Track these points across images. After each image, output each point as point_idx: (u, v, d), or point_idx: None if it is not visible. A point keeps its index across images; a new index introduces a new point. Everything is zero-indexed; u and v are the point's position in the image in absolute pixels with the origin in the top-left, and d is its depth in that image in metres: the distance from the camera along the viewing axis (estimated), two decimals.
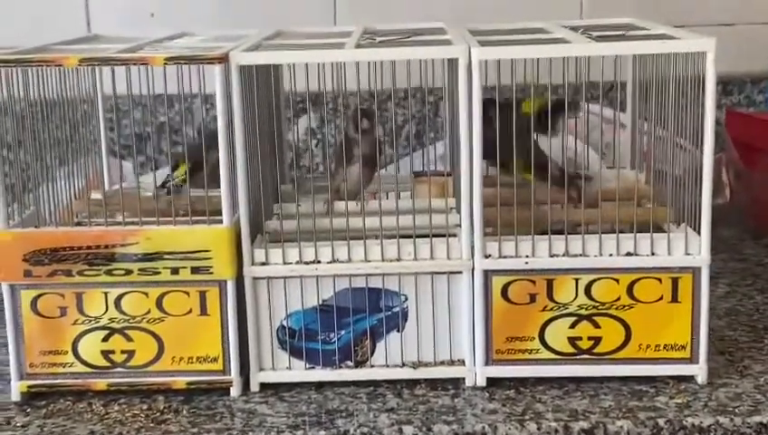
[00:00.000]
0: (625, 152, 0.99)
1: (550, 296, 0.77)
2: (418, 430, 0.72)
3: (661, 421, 0.72)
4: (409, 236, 0.79)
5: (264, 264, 0.78)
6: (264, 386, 0.79)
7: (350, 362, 0.80)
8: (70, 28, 1.09)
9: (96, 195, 0.92)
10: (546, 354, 0.78)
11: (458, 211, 0.87)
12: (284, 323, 0.79)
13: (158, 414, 0.76)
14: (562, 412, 0.74)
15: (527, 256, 0.77)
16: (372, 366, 0.80)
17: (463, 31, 0.87)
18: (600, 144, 1.11)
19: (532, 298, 0.77)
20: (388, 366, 0.79)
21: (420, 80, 0.95)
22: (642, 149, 0.96)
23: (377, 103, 0.85)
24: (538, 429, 0.72)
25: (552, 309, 0.77)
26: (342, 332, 0.80)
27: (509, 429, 0.72)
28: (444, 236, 0.80)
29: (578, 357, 0.78)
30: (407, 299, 0.79)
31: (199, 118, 1.37)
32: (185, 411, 0.76)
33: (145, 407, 0.77)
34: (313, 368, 0.80)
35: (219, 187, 0.77)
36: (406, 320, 0.79)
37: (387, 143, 0.97)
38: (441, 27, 0.92)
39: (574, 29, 0.86)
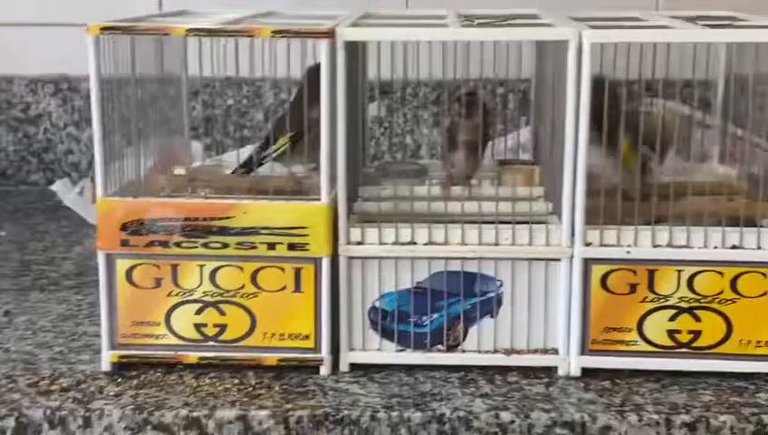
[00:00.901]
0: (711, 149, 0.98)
1: (651, 287, 0.76)
2: (516, 416, 0.71)
3: (766, 418, 0.70)
4: (508, 223, 0.78)
5: (359, 243, 0.78)
6: (353, 366, 0.79)
7: (441, 346, 0.79)
8: (139, 8, 1.09)
9: (179, 171, 0.93)
10: (644, 346, 0.77)
11: (547, 200, 0.86)
12: (377, 304, 0.79)
13: (250, 389, 0.75)
14: (663, 405, 0.72)
15: (629, 246, 0.76)
16: (464, 351, 0.79)
17: (562, 17, 0.86)
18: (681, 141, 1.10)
19: (633, 289, 0.76)
20: (480, 352, 0.78)
21: (507, 67, 0.95)
22: (731, 146, 0.95)
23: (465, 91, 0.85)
24: (639, 420, 0.71)
25: (652, 300, 0.76)
26: (435, 315, 0.79)
27: (609, 419, 0.71)
28: (540, 223, 0.79)
29: (677, 351, 0.76)
30: (502, 284, 0.78)
31: (267, 102, 1.39)
32: (277, 388, 0.75)
33: (236, 381, 0.76)
34: (404, 350, 0.79)
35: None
36: (500, 305, 0.78)
37: (492, 130, 0.96)
38: (535, 13, 0.91)
39: (675, 19, 0.85)
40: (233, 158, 1.03)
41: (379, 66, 0.89)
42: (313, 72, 0.77)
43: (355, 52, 0.85)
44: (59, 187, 1.34)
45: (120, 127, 0.80)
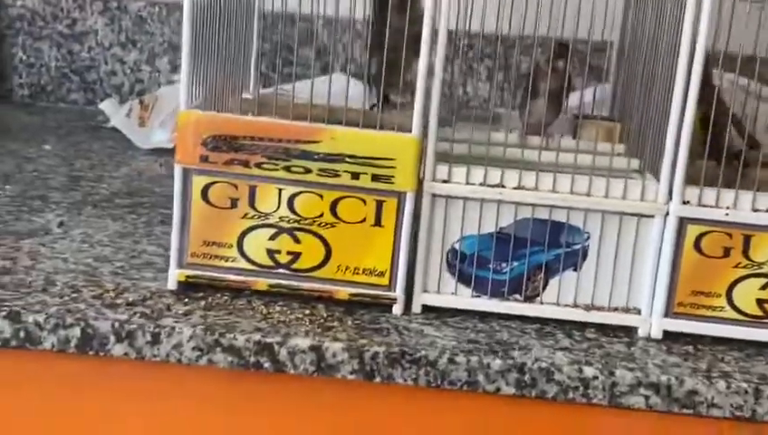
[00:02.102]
0: None
1: (745, 253, 0.73)
2: (599, 372, 0.69)
3: None
4: (603, 175, 0.75)
5: (445, 181, 0.75)
6: (425, 309, 0.76)
7: (518, 296, 0.76)
8: None
9: (247, 95, 0.89)
10: (731, 314, 0.74)
11: (630, 156, 0.83)
12: (456, 246, 0.76)
13: (322, 320, 0.72)
14: (750, 374, 0.70)
15: (728, 208, 0.73)
16: (542, 303, 0.76)
17: None
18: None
19: (726, 252, 0.73)
20: (558, 305, 0.76)
21: (591, 23, 0.91)
22: None
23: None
24: (727, 387, 0.68)
25: (745, 267, 0.73)
26: (516, 263, 0.76)
27: (696, 384, 0.68)
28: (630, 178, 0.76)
29: (765, 321, 0.74)
30: (589, 237, 0.75)
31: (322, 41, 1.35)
32: (349, 322, 0.73)
33: (307, 312, 0.74)
34: (479, 297, 0.76)
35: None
36: (585, 259, 0.75)
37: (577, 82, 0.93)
38: None
39: None
40: (301, 87, 1.00)
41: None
42: None
43: None
44: (107, 106, 1.31)
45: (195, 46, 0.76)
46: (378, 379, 0.69)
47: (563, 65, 0.82)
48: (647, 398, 0.69)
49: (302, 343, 0.69)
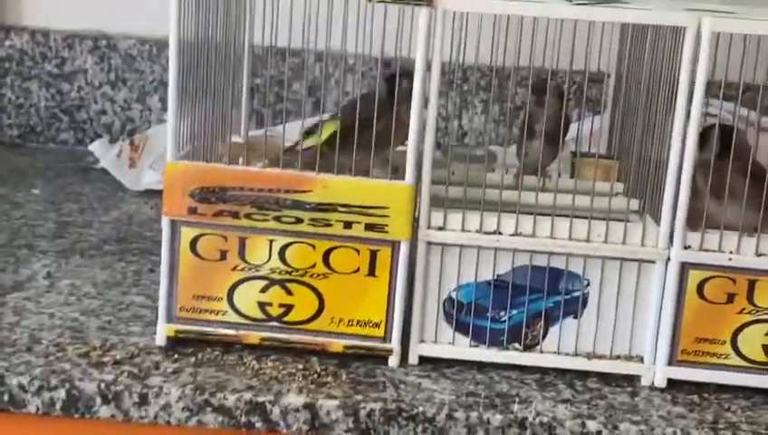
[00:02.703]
0: None
1: (750, 299, 0.71)
2: (603, 426, 0.66)
3: None
4: (599, 219, 0.73)
5: (441, 229, 0.73)
6: (422, 360, 0.74)
7: (518, 345, 0.74)
8: None
9: (236, 139, 0.88)
10: (736, 361, 0.72)
11: (628, 195, 0.81)
12: (453, 294, 0.74)
13: (315, 376, 0.70)
14: (758, 425, 0.68)
15: (731, 253, 0.71)
16: (542, 352, 0.74)
17: (656, 3, 0.81)
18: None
19: (730, 298, 0.71)
20: (559, 353, 0.74)
21: (587, 56, 0.90)
22: None
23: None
24: None
25: (750, 312, 0.71)
26: (515, 311, 0.74)
27: None
28: (628, 221, 0.74)
29: None
30: (589, 284, 0.73)
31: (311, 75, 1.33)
32: (344, 376, 0.71)
33: (300, 367, 0.71)
34: (478, 346, 0.74)
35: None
36: (585, 306, 0.73)
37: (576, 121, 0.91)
38: None
39: None
40: (290, 129, 0.99)
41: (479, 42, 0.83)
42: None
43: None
44: (96, 147, 1.29)
45: (183, 89, 0.75)
46: None
47: (559, 107, 0.80)
48: None
49: (296, 400, 0.67)
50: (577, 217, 0.72)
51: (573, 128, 1.05)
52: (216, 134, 0.83)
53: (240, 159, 0.80)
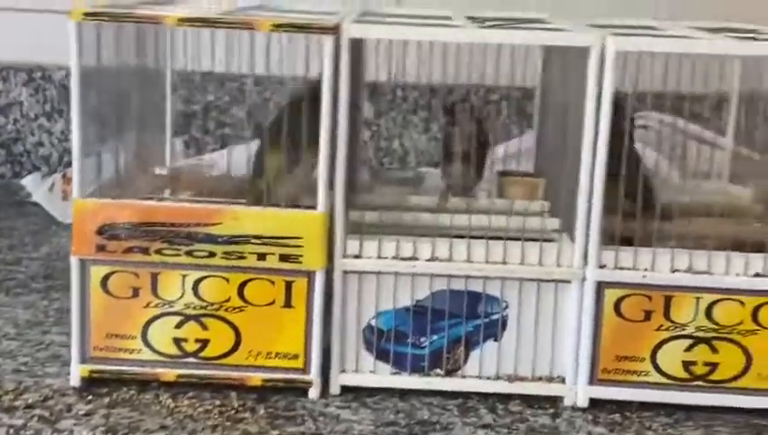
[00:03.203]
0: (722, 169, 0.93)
1: (666, 315, 0.71)
2: None
3: None
4: (515, 239, 0.73)
5: (357, 256, 0.72)
6: (344, 389, 0.73)
7: (439, 371, 0.73)
8: None
9: (160, 171, 0.87)
10: (657, 378, 0.72)
11: (554, 215, 0.81)
12: (372, 322, 0.73)
13: (232, 412, 0.69)
14: None
15: (646, 269, 0.71)
16: (464, 377, 0.73)
17: (576, 23, 0.81)
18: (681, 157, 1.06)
19: (647, 315, 0.71)
20: (480, 378, 0.73)
21: (513, 73, 0.90)
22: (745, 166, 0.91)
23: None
24: None
25: (667, 329, 0.71)
26: (435, 336, 0.73)
27: None
28: (547, 241, 0.74)
29: (691, 383, 0.71)
30: (508, 306, 0.73)
31: (251, 99, 1.33)
32: (261, 411, 0.69)
33: (217, 403, 0.70)
34: (399, 374, 0.73)
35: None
36: (504, 329, 0.73)
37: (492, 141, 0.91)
38: (543, 17, 0.86)
39: (694, 29, 0.80)
40: (217, 157, 0.98)
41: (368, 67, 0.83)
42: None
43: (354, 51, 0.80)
44: (29, 181, 1.27)
45: (99, 121, 0.74)
46: None
47: (477, 129, 0.80)
48: None
49: None
50: (493, 238, 0.72)
51: (507, 146, 1.06)
52: (144, 165, 0.83)
53: (166, 191, 0.80)
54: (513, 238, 0.72)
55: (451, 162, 0.81)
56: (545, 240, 0.72)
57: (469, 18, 0.82)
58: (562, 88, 0.81)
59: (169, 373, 0.71)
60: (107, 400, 0.70)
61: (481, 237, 0.72)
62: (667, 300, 0.71)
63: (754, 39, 0.75)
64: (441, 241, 0.72)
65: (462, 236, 0.72)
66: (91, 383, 0.72)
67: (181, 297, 0.71)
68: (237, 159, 0.89)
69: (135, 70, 0.80)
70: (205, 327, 0.71)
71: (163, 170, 0.86)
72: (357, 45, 0.77)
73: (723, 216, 0.77)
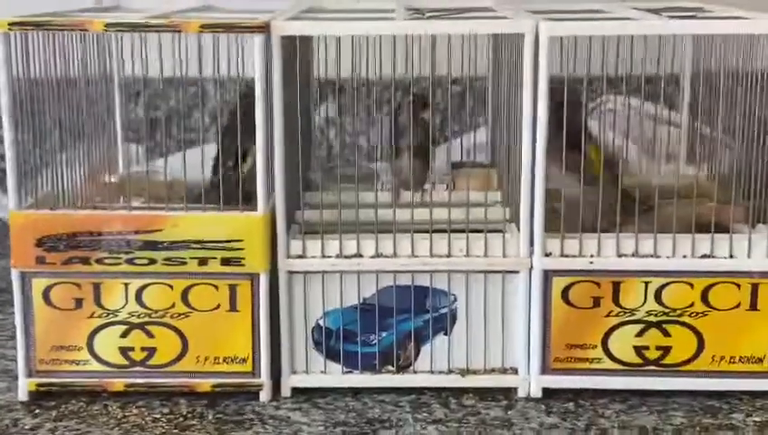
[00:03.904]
0: (679, 149, 0.93)
1: (616, 301, 0.70)
2: None
3: None
4: (461, 231, 0.72)
5: (300, 257, 0.71)
6: (296, 391, 0.72)
7: (391, 367, 0.72)
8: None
9: (111, 179, 0.86)
10: (609, 364, 0.71)
11: (505, 206, 0.80)
12: (321, 322, 0.72)
13: (180, 419, 0.68)
14: (630, 429, 0.67)
15: (592, 256, 0.70)
16: (416, 372, 0.72)
17: (519, 10, 0.80)
18: (645, 140, 1.05)
19: (596, 302, 0.70)
20: (433, 372, 0.72)
21: (462, 64, 0.89)
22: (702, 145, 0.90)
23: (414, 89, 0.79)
24: None
25: (617, 315, 0.70)
26: (384, 333, 0.72)
27: None
28: (496, 232, 0.73)
29: (644, 368, 0.70)
30: (456, 299, 0.72)
31: (211, 103, 1.31)
32: (210, 417, 0.69)
33: (166, 410, 0.70)
34: (351, 372, 0.72)
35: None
36: (454, 322, 0.72)
37: (439, 133, 0.91)
38: (489, 6, 0.85)
39: (638, 10, 0.79)
40: (171, 162, 0.97)
41: (324, 63, 0.83)
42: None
43: (296, 48, 0.79)
44: None
45: (38, 132, 0.73)
46: None
47: (417, 118, 0.79)
48: None
49: None
50: (436, 231, 0.72)
51: (470, 138, 1.05)
52: (95, 175, 0.82)
53: (122, 198, 0.79)
54: (458, 230, 0.72)
55: (398, 157, 0.80)
56: (491, 231, 0.72)
57: (410, 10, 0.82)
58: (509, 77, 0.81)
59: (117, 383, 0.71)
60: (54, 413, 0.69)
61: (425, 231, 0.71)
62: (616, 285, 0.70)
63: (694, 17, 0.75)
64: (385, 237, 0.71)
65: (408, 231, 0.72)
66: (41, 397, 0.71)
67: (125, 306, 0.70)
68: (191, 162, 0.88)
69: (84, 78, 0.79)
70: (150, 335, 0.71)
71: (113, 178, 0.86)
72: (304, 43, 0.76)
73: (680, 198, 0.76)
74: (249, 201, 0.70)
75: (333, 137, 1.25)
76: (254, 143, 0.69)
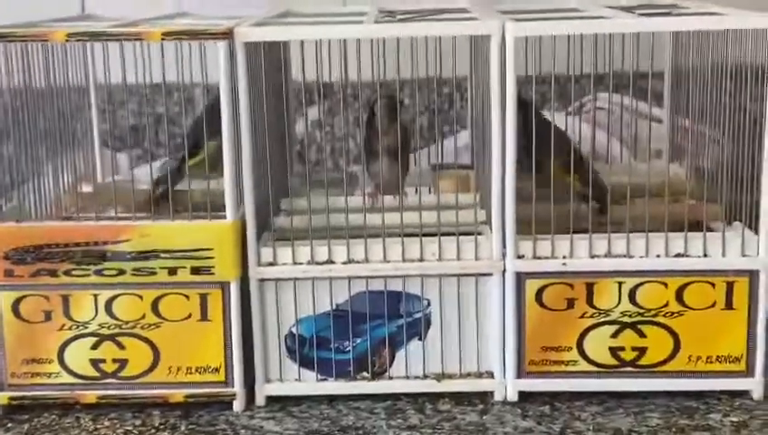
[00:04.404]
0: (660, 146, 0.92)
1: (590, 302, 0.69)
2: None
3: None
4: (433, 235, 0.72)
5: (271, 264, 0.70)
6: (270, 400, 0.71)
7: (366, 374, 0.72)
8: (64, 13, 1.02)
9: (87, 188, 0.85)
10: (585, 366, 0.70)
11: (484, 207, 0.80)
12: (294, 329, 0.71)
13: (152, 431, 0.68)
14: (605, 432, 0.66)
15: (565, 257, 0.69)
16: (391, 378, 0.71)
17: (490, 11, 0.79)
18: (627, 136, 1.04)
19: (570, 304, 0.69)
20: (408, 378, 0.71)
21: (437, 66, 0.88)
22: (680, 142, 0.89)
23: (392, 92, 0.78)
24: None
25: (592, 316, 0.69)
26: (358, 340, 0.72)
27: None
28: (470, 234, 0.73)
29: (620, 370, 0.70)
30: (429, 304, 0.71)
31: (200, 108, 1.31)
32: (183, 428, 0.68)
33: (138, 423, 0.69)
34: (326, 380, 0.72)
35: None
36: (428, 327, 0.71)
37: (414, 135, 0.90)
38: (464, 8, 0.85)
39: (612, 9, 0.79)
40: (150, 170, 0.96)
41: (317, 62, 0.82)
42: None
43: (275, 53, 0.78)
44: None
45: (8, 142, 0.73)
46: None
47: (391, 121, 0.78)
48: None
49: None
50: (408, 235, 0.71)
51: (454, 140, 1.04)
52: (72, 184, 0.81)
53: (98, 208, 0.78)
54: (429, 234, 0.71)
55: (375, 160, 0.80)
56: (463, 233, 0.71)
57: (383, 12, 0.81)
58: (484, 78, 0.80)
59: (89, 395, 0.70)
60: (26, 426, 0.69)
61: (397, 235, 0.71)
62: (589, 287, 0.69)
63: (669, 14, 0.74)
64: (355, 242, 0.71)
65: (377, 236, 0.71)
66: (13, 411, 0.70)
67: (95, 318, 0.69)
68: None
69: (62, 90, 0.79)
70: (121, 346, 0.70)
71: (88, 188, 0.85)
72: (275, 48, 0.76)
73: (658, 196, 0.75)
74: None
75: (318, 141, 1.25)
76: (209, 139, 0.69)
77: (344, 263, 0.70)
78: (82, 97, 0.85)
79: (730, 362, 0.69)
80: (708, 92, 0.77)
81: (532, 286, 0.69)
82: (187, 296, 0.69)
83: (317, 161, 1.18)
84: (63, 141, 0.80)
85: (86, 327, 0.70)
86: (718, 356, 0.69)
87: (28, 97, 0.74)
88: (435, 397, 0.71)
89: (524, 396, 0.71)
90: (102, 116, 0.92)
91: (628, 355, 0.70)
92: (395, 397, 0.72)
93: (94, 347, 0.70)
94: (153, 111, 1.23)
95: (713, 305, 0.69)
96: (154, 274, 0.69)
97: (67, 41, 0.65)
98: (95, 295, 0.69)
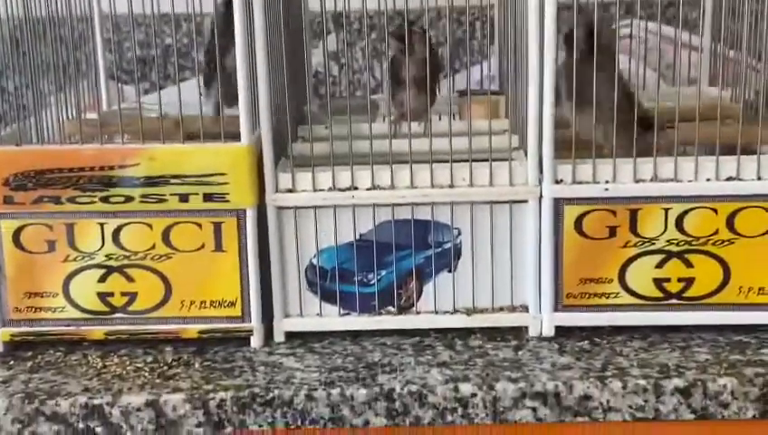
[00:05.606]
0: (700, 73, 0.86)
1: (633, 230, 0.64)
2: (478, 388, 0.60)
3: None
4: (465, 161, 0.67)
5: (290, 191, 0.66)
6: (290, 335, 0.67)
7: (392, 308, 0.67)
8: None
9: (92, 115, 0.80)
10: (627, 299, 0.65)
11: (513, 133, 0.75)
12: (314, 261, 0.67)
13: (165, 368, 0.64)
14: (650, 368, 0.62)
15: (607, 182, 0.64)
16: (418, 313, 0.67)
17: None
18: (658, 64, 0.99)
19: (612, 232, 0.65)
20: (437, 313, 0.67)
21: None
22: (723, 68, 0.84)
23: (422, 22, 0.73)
24: (623, 387, 0.60)
25: (635, 245, 0.65)
26: (383, 272, 0.67)
27: (587, 387, 0.60)
28: (504, 160, 0.68)
29: (665, 302, 0.65)
30: (460, 233, 0.66)
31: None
32: (197, 365, 0.64)
33: (150, 359, 0.65)
34: (348, 314, 0.67)
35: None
36: (459, 258, 0.67)
37: (444, 62, 0.84)
38: None
39: None
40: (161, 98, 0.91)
41: None
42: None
43: None
44: None
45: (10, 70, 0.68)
46: (229, 429, 0.61)
47: (422, 50, 0.73)
48: (534, 410, 0.60)
49: (137, 399, 0.60)
50: (437, 161, 0.66)
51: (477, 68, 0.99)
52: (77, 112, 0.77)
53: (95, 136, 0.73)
54: (461, 160, 0.66)
55: (403, 89, 0.74)
56: (496, 159, 0.66)
57: None
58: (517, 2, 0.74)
59: (96, 331, 0.66)
60: (30, 364, 0.64)
61: (426, 161, 0.66)
62: (633, 213, 0.64)
63: None
64: (381, 168, 0.66)
65: (406, 162, 0.66)
66: (16, 347, 0.66)
67: (101, 248, 0.65)
68: (175, 98, 0.83)
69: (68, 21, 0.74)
70: (130, 279, 0.66)
71: (94, 115, 0.80)
72: None
73: (703, 120, 0.70)
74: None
75: (337, 72, 1.19)
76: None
77: (368, 189, 0.65)
78: (87, 27, 0.81)
79: None
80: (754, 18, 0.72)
81: (570, 213, 0.64)
82: (199, 225, 0.65)
83: (334, 93, 1.13)
84: (70, 74, 0.76)
85: (92, 258, 0.65)
86: None
87: (33, 28, 0.69)
88: (465, 332, 0.67)
89: (561, 331, 0.66)
90: (108, 46, 0.87)
91: (674, 287, 0.65)
92: (422, 333, 0.67)
93: (101, 280, 0.65)
94: (162, 43, 1.19)
95: (766, 233, 0.64)
96: (164, 201, 0.64)
97: None
98: (101, 224, 0.64)
